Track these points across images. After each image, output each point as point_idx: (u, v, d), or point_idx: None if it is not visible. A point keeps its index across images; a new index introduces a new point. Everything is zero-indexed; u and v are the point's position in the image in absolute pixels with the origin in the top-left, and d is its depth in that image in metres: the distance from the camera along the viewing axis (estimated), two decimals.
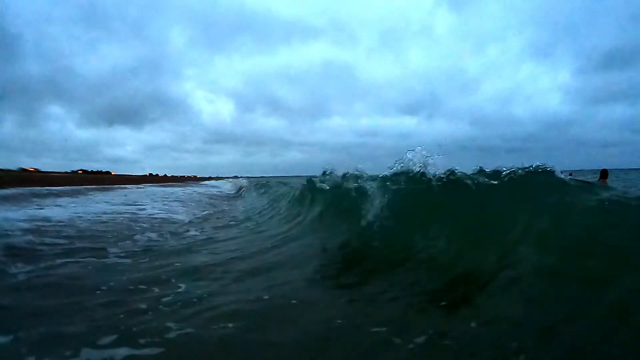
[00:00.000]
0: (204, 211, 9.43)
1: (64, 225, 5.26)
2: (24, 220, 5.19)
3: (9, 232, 4.26)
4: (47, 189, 15.67)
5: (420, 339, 1.76)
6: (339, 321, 2.08)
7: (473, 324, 1.84)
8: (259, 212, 8.13)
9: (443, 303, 2.16)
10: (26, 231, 4.41)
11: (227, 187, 28.45)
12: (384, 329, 1.90)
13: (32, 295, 2.45)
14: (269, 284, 2.73)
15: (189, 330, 2.03)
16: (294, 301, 2.40)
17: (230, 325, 2.08)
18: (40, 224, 5.08)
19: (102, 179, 36.33)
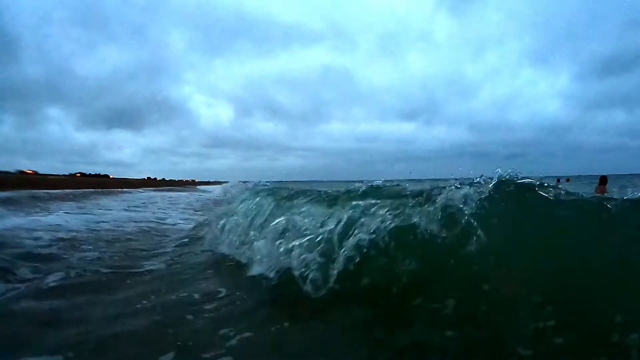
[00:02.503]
0: (216, 215, 9.30)
1: (85, 234, 5.09)
2: (40, 230, 5.00)
3: (30, 244, 4.08)
4: (47, 192, 15.36)
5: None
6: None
7: None
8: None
9: None
10: (48, 242, 4.24)
11: (225, 191, 28.45)
12: None
13: (73, 313, 2.32)
14: None
15: (247, 334, 1.96)
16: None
17: (286, 325, 2.03)
18: (61, 234, 4.88)
19: (101, 183, 35.96)
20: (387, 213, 2.36)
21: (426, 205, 2.25)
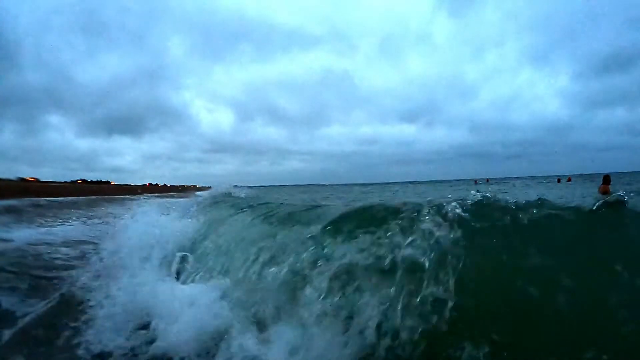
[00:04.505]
0: None
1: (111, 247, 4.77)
2: (63, 245, 4.72)
3: (57, 260, 3.83)
4: (54, 200, 15.09)
5: None
6: None
7: None
8: None
9: None
10: (77, 256, 3.98)
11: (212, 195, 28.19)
12: None
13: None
14: None
15: None
16: None
17: None
18: (89, 248, 4.60)
19: (102, 189, 35.68)
20: None
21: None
